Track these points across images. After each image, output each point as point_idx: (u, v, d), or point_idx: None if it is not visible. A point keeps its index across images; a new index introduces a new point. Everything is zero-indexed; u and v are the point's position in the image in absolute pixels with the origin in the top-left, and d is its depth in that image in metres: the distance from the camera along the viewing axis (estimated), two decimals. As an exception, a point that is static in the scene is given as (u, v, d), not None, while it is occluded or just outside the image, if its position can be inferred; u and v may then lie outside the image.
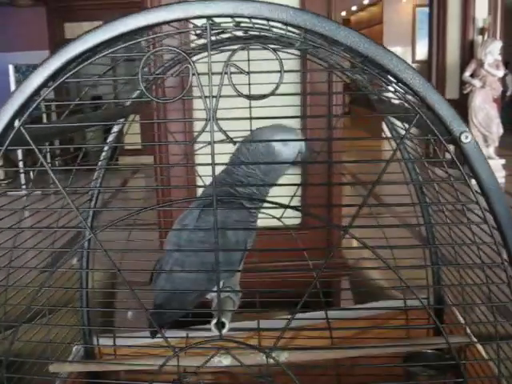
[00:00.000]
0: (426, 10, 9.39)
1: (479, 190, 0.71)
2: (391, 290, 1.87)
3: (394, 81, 0.70)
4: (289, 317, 1.64)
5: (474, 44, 7.86)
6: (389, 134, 1.37)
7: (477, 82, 7.42)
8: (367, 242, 0.77)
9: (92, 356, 1.54)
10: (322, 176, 2.04)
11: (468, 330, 1.28)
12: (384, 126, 1.41)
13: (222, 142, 0.68)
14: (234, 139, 0.71)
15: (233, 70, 0.72)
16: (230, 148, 1.18)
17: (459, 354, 1.34)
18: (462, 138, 0.67)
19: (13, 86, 7.86)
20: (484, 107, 7.33)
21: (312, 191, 1.93)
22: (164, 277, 1.18)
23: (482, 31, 7.84)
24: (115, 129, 1.39)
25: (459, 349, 1.31)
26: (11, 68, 8.22)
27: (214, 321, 0.83)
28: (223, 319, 0.86)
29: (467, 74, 7.55)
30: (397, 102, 1.09)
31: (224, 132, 0.67)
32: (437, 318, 1.44)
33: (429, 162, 1.40)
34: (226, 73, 0.67)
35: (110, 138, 1.40)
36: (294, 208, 0.78)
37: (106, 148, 1.39)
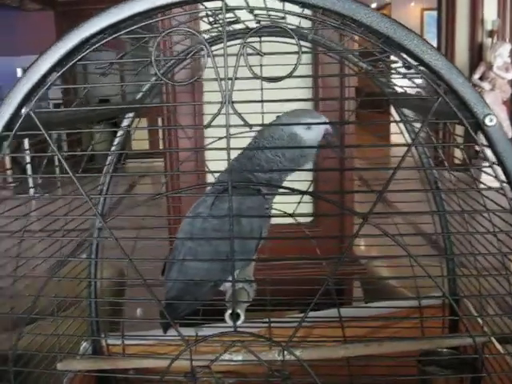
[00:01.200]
0: (434, 13, 9.36)
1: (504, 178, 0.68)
2: (404, 288, 1.84)
3: (415, 63, 0.68)
4: (300, 315, 1.62)
5: (482, 46, 7.81)
6: (403, 129, 1.34)
7: (486, 85, 7.37)
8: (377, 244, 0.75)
9: (100, 354, 1.51)
10: (333, 178, 2.01)
11: (485, 328, 1.25)
12: (396, 119, 1.38)
13: (237, 126, 0.66)
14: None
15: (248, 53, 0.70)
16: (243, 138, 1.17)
17: (476, 352, 1.30)
18: (487, 121, 0.65)
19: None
20: (493, 110, 7.25)
21: (324, 187, 1.90)
22: (177, 268, 1.15)
23: (491, 33, 7.79)
24: (125, 122, 1.37)
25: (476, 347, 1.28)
26: (19, 72, 8.27)
27: (229, 312, 0.81)
28: (238, 310, 0.83)
29: (476, 76, 7.51)
30: (412, 91, 1.06)
31: (239, 115, 0.64)
32: (453, 320, 1.41)
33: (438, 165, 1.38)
34: (241, 54, 0.65)
35: (119, 134, 1.38)
36: (310, 194, 0.75)
37: (114, 144, 1.37)
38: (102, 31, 0.67)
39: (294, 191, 0.75)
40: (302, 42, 1.38)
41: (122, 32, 0.66)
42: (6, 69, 8.57)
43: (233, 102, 0.65)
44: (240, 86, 1.28)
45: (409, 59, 0.69)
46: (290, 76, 0.64)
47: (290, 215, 1.30)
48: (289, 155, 1.10)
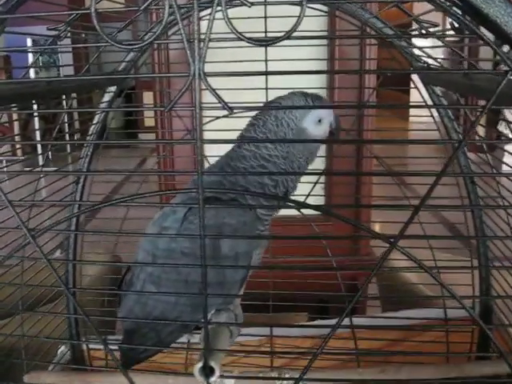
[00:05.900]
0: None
1: None
2: (428, 296, 1.64)
3: (471, 23, 0.47)
4: (305, 324, 1.43)
5: None
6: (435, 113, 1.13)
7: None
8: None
9: (80, 361, 1.34)
10: (350, 160, 1.79)
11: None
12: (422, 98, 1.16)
13: (209, 108, 0.46)
14: (232, 105, 0.48)
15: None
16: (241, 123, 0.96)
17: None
18: None
19: (30, 60, 7.69)
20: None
21: (338, 177, 1.69)
22: (134, 296, 0.90)
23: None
24: (106, 98, 1.17)
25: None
26: (29, 42, 8.05)
27: (199, 365, 0.59)
28: (212, 363, 0.61)
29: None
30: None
31: (214, 91, 0.44)
32: (483, 333, 1.20)
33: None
34: (218, 4, 0.44)
35: (98, 112, 1.18)
36: (315, 208, 0.56)
37: (95, 121, 1.18)
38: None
39: (295, 204, 0.55)
40: (318, 5, 1.17)
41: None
42: (16, 38, 8.35)
43: (205, 74, 0.45)
44: (239, 56, 1.07)
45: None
46: (286, 38, 0.44)
47: (301, 213, 1.09)
48: (297, 151, 0.87)
